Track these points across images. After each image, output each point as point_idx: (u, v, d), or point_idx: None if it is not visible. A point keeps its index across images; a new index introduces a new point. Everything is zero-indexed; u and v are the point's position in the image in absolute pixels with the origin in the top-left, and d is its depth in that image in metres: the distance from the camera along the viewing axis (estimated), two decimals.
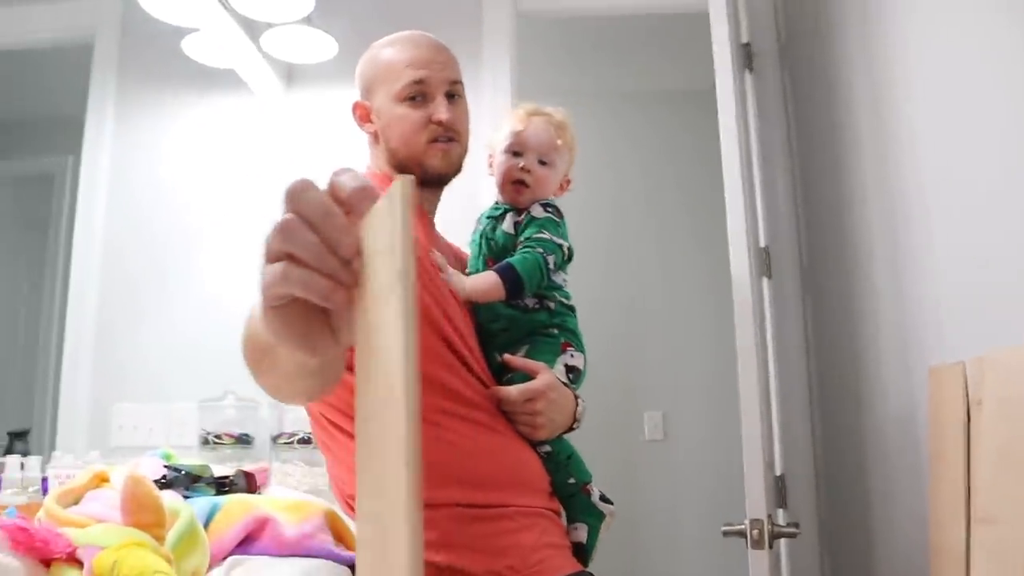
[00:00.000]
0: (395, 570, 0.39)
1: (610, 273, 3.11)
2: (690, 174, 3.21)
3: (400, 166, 1.29)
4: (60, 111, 2.78)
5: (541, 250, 1.26)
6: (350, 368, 1.12)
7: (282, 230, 0.50)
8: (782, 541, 2.02)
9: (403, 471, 0.40)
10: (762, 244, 2.21)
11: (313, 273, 0.50)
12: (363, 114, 1.34)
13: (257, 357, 0.80)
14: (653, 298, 3.20)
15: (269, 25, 2.28)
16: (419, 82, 1.26)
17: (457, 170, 1.33)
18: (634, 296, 3.19)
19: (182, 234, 2.51)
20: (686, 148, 3.24)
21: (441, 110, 1.26)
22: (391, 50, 1.31)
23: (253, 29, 2.31)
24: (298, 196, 0.51)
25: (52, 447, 2.04)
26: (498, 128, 1.40)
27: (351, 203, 0.50)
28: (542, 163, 1.34)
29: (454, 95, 1.31)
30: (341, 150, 2.41)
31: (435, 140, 1.27)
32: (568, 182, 1.42)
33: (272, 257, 0.52)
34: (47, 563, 0.68)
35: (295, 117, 2.58)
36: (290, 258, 0.50)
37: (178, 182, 2.57)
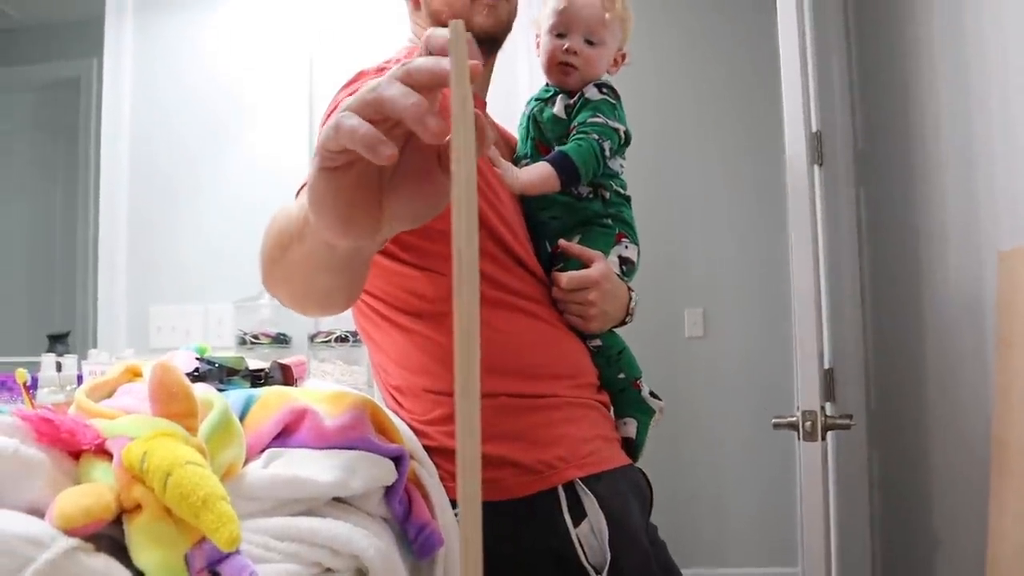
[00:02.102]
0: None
1: (650, 163, 2.99)
2: (737, 58, 3.05)
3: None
4: (79, 13, 2.70)
5: (597, 136, 1.17)
6: (390, 255, 1.07)
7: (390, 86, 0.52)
8: (830, 434, 1.98)
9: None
10: (814, 129, 2.10)
11: (381, 136, 0.50)
12: None
13: (283, 244, 0.75)
14: (692, 192, 3.09)
15: None
16: None
17: (507, 29, 1.21)
18: (673, 189, 3.08)
19: (210, 132, 2.45)
20: (734, 29, 3.06)
21: None
22: None
23: None
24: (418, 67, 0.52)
25: (93, 348, 2.04)
26: (544, 2, 1.28)
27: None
28: (589, 43, 1.22)
29: None
30: (366, 45, 2.33)
31: None
32: (623, 56, 1.30)
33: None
34: (76, 455, 0.64)
35: (319, 12, 2.47)
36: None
37: (203, 79, 2.49)
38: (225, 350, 2.05)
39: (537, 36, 1.29)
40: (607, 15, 1.22)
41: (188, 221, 2.43)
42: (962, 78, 1.57)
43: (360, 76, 1.06)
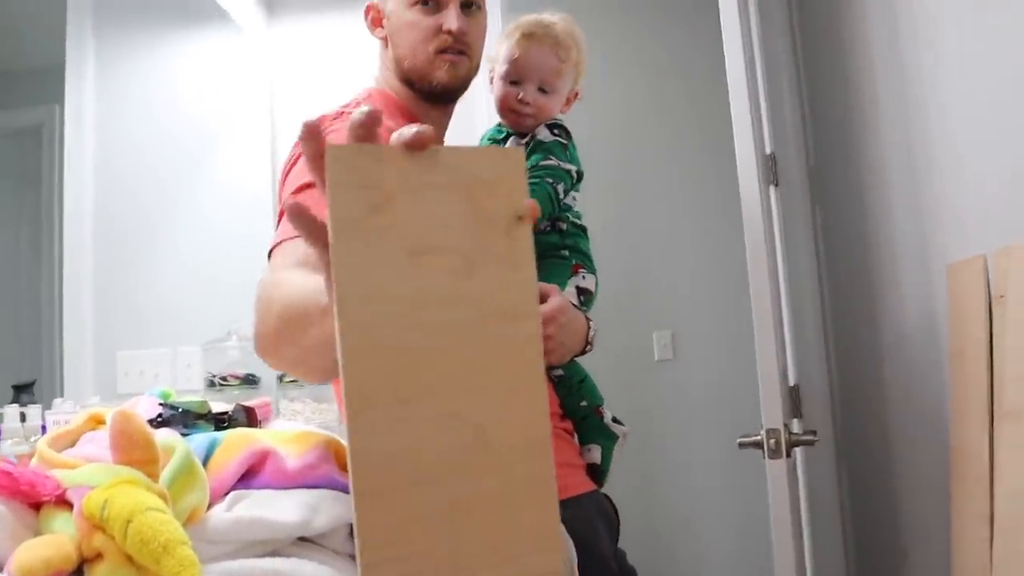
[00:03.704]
0: None
1: (613, 189, 3.03)
2: (689, 81, 3.11)
3: (405, 76, 1.21)
4: (40, 60, 2.70)
5: (551, 179, 1.19)
6: None
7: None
8: (798, 451, 2.01)
9: None
10: (768, 151, 2.15)
11: None
12: (375, 18, 1.25)
13: (300, 326, 0.75)
14: (656, 215, 3.13)
15: None
16: None
17: (465, 86, 1.24)
18: (637, 214, 3.12)
19: (174, 174, 2.46)
20: (687, 55, 3.13)
21: (452, 19, 1.17)
22: None
23: None
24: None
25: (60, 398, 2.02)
26: (499, 42, 1.29)
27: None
28: (543, 91, 1.24)
29: (471, 5, 1.21)
30: (325, 76, 2.36)
31: (443, 51, 1.18)
32: (576, 95, 1.32)
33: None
34: (36, 507, 0.64)
35: (278, 45, 2.50)
36: None
37: (166, 122, 2.50)
38: (194, 393, 2.04)
39: (491, 72, 1.31)
40: (561, 65, 1.25)
41: (154, 265, 2.42)
42: (903, 97, 1.63)
43: (320, 119, 1.08)
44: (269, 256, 0.99)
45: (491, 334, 0.49)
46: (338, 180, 0.46)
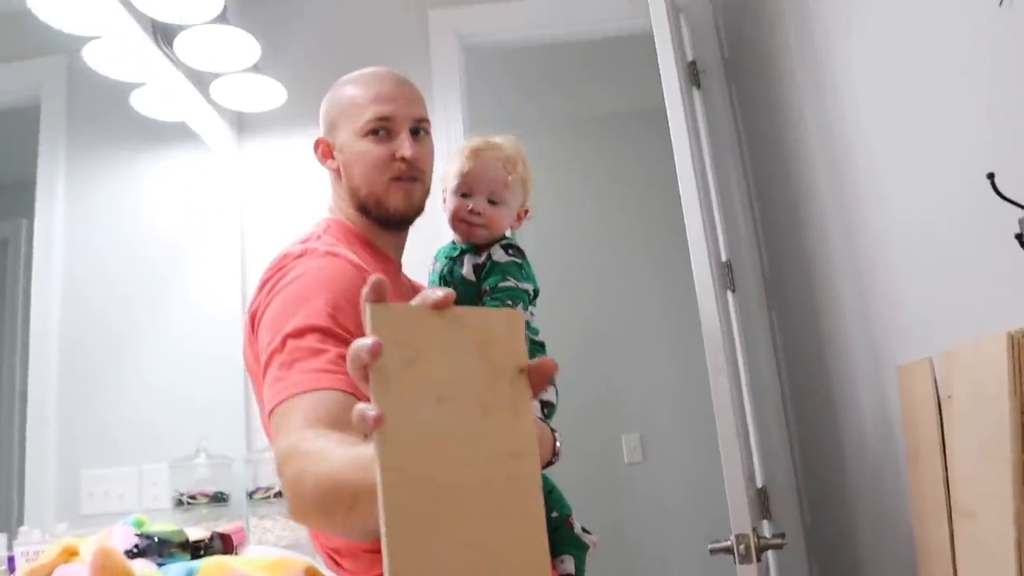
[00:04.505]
0: None
1: (572, 300, 3.10)
2: (643, 194, 3.24)
3: (361, 205, 1.26)
4: (10, 175, 2.73)
5: (510, 301, 1.23)
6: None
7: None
8: (770, 553, 2.02)
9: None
10: (723, 258, 2.23)
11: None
12: (325, 150, 1.31)
13: (344, 504, 0.76)
14: (618, 322, 3.21)
15: (217, 75, 2.27)
16: (383, 118, 1.24)
17: (419, 211, 1.30)
18: (599, 321, 3.19)
19: (142, 292, 2.47)
20: (636, 168, 3.28)
21: (405, 146, 1.23)
22: (355, 86, 1.29)
23: (201, 80, 2.30)
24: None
25: (20, 521, 1.97)
26: (450, 161, 1.37)
27: None
28: (492, 202, 1.31)
29: (419, 131, 1.28)
30: (295, 196, 2.42)
31: (397, 178, 1.24)
32: (526, 212, 1.39)
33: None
34: None
35: (248, 165, 2.57)
36: None
37: (135, 239, 2.53)
38: (161, 512, 2.01)
39: (444, 192, 1.37)
40: (509, 177, 1.32)
41: (120, 382, 2.41)
42: (846, 209, 1.73)
43: (284, 259, 1.13)
44: (273, 409, 0.98)
45: (500, 470, 0.56)
46: (380, 335, 0.53)
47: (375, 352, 0.52)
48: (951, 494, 1.28)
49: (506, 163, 1.32)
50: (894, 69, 1.45)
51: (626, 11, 2.42)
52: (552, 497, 1.24)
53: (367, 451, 0.67)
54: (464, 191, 1.32)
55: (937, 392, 1.32)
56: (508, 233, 1.37)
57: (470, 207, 1.30)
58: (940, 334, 1.36)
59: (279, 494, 2.02)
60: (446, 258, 1.34)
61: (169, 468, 2.18)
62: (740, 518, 1.53)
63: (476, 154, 1.32)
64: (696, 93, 2.37)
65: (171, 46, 2.07)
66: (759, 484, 2.07)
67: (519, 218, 1.38)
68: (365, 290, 0.55)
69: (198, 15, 1.98)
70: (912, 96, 1.39)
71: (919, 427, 1.38)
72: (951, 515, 1.28)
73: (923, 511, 1.37)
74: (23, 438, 2.39)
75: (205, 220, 2.53)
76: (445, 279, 1.32)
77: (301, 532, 1.94)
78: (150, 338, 2.43)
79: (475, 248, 1.31)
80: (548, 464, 1.26)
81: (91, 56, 1.96)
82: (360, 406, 0.53)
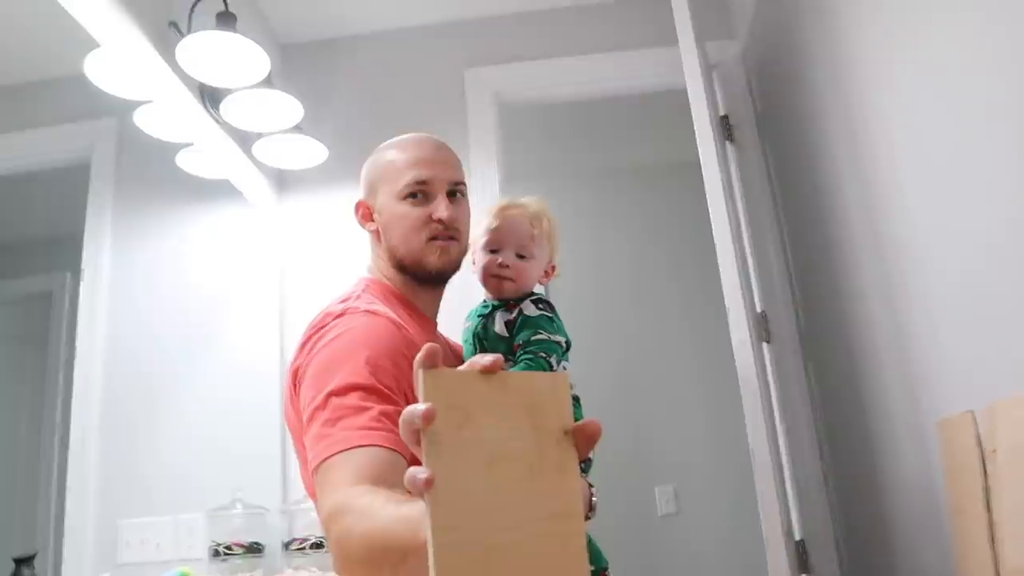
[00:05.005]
0: None
1: (606, 352, 3.11)
2: (676, 246, 3.26)
3: (400, 264, 1.31)
4: (58, 230, 2.82)
5: (543, 354, 1.25)
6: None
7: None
8: None
9: None
10: (759, 310, 2.23)
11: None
12: (365, 213, 1.36)
13: (388, 559, 0.77)
14: (652, 373, 3.20)
15: (260, 135, 2.34)
16: (421, 182, 1.29)
17: (456, 268, 1.34)
18: (632, 372, 3.18)
19: (183, 345, 2.52)
20: (670, 220, 3.30)
21: (441, 208, 1.28)
22: (394, 151, 1.34)
23: (245, 140, 2.38)
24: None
25: (59, 570, 2.00)
26: (479, 222, 1.41)
27: None
28: (520, 256, 1.35)
29: (456, 194, 1.33)
30: (333, 250, 2.47)
31: (434, 238, 1.29)
32: (553, 268, 1.42)
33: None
34: None
35: (289, 220, 2.63)
36: None
37: (177, 293, 2.59)
38: (198, 562, 2.02)
39: (472, 253, 1.41)
40: (535, 232, 1.36)
41: (159, 432, 2.44)
42: (883, 260, 1.72)
43: (325, 317, 1.16)
44: (318, 466, 0.99)
45: (548, 530, 0.57)
46: (433, 400, 0.55)
47: (429, 418, 0.54)
48: (997, 551, 1.25)
49: (532, 219, 1.37)
50: (930, 119, 1.45)
51: (658, 69, 2.47)
52: (590, 550, 1.24)
53: (416, 509, 0.69)
54: (493, 247, 1.36)
55: (981, 446, 1.30)
56: (538, 288, 1.39)
57: (499, 261, 1.34)
58: (982, 387, 1.35)
59: (315, 545, 2.02)
60: (478, 316, 1.36)
61: (205, 518, 2.20)
62: (779, 571, 1.51)
63: (503, 212, 1.38)
64: (729, 147, 2.40)
65: (217, 108, 2.15)
66: (797, 537, 2.04)
67: (547, 274, 1.41)
68: (419, 356, 0.57)
69: (244, 79, 2.05)
70: (949, 145, 1.39)
71: (962, 482, 1.36)
72: (998, 572, 1.25)
73: (968, 569, 1.34)
74: (63, 487, 2.43)
75: (246, 275, 2.58)
76: (478, 336, 1.34)
77: None
78: (189, 389, 2.48)
79: (506, 305, 1.34)
80: (585, 519, 1.25)
81: (141, 119, 2.05)
82: (412, 469, 0.54)
